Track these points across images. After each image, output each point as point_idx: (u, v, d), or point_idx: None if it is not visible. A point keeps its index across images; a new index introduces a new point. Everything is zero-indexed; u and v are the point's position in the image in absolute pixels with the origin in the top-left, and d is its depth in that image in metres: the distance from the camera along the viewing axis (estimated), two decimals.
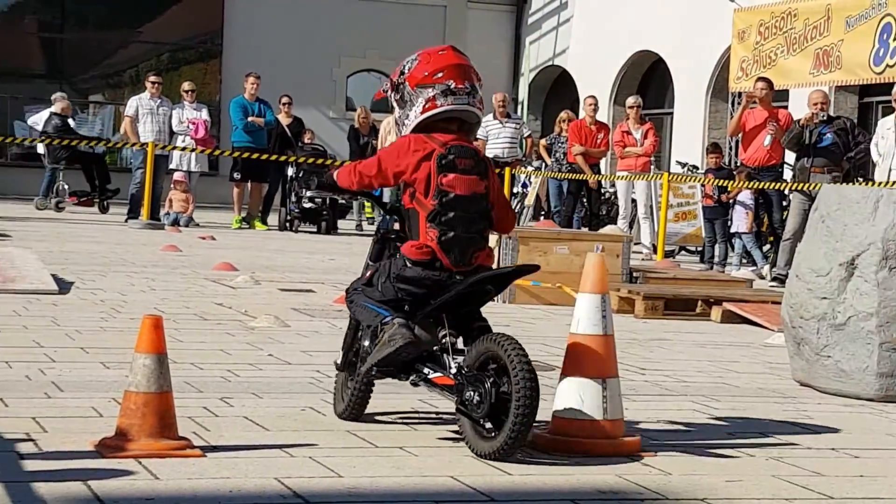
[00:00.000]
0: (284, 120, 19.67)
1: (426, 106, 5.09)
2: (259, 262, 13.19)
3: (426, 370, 4.98)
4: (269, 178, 19.38)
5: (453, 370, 4.87)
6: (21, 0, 28.47)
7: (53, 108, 20.68)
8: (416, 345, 4.87)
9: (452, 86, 5.09)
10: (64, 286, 9.60)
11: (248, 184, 19.19)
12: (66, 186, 20.48)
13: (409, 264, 5.02)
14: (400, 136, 5.20)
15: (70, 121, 21.12)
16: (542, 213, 21.78)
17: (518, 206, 21.46)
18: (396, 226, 5.38)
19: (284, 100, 19.96)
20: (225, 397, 5.70)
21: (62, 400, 5.45)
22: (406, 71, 5.18)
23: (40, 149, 21.15)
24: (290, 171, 19.01)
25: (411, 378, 5.03)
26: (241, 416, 5.31)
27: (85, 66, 28.28)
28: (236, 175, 19.01)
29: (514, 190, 20.66)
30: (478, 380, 4.75)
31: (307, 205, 19.03)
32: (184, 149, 18.76)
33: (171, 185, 18.85)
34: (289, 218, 19.20)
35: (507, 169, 18.81)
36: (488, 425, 4.71)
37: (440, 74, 5.10)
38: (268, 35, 28.31)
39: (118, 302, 9.04)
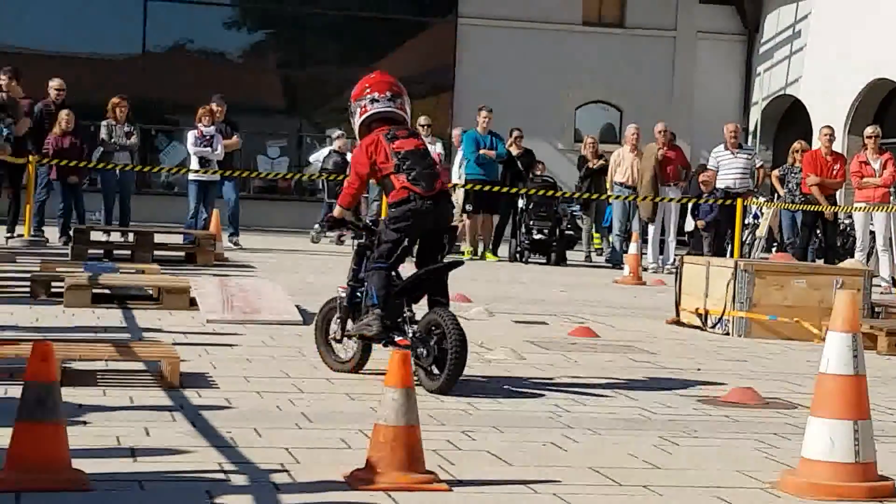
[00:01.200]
0: (515, 152, 19.87)
1: (360, 112, 7.15)
2: (491, 293, 13.31)
3: (394, 336, 6.90)
4: (499, 210, 19.59)
5: (409, 335, 6.79)
6: (262, 39, 29.54)
7: (333, 146, 21.82)
8: (383, 336, 6.89)
9: (377, 96, 7.13)
10: (308, 317, 9.88)
11: (480, 215, 19.41)
12: None
13: (393, 208, 6.91)
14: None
15: (349, 157, 22.18)
16: (775, 244, 21.40)
17: (749, 238, 21.13)
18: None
19: (515, 133, 20.17)
20: (467, 430, 5.78)
21: (312, 431, 5.61)
22: (351, 93, 7.26)
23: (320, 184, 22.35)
24: (521, 203, 19.17)
25: (383, 342, 6.98)
26: (484, 450, 5.37)
27: (322, 101, 29.10)
28: (468, 207, 19.26)
29: (746, 221, 20.35)
30: (425, 340, 6.71)
31: (537, 236, 19.14)
32: None
33: None
34: (519, 249, 19.34)
35: (739, 200, 18.55)
36: (435, 370, 6.68)
37: (368, 89, 7.16)
38: (498, 68, 28.62)
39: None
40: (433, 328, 6.70)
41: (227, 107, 19.04)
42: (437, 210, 6.92)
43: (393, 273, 6.94)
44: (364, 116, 7.12)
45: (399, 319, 6.91)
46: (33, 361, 4.28)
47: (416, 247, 7.01)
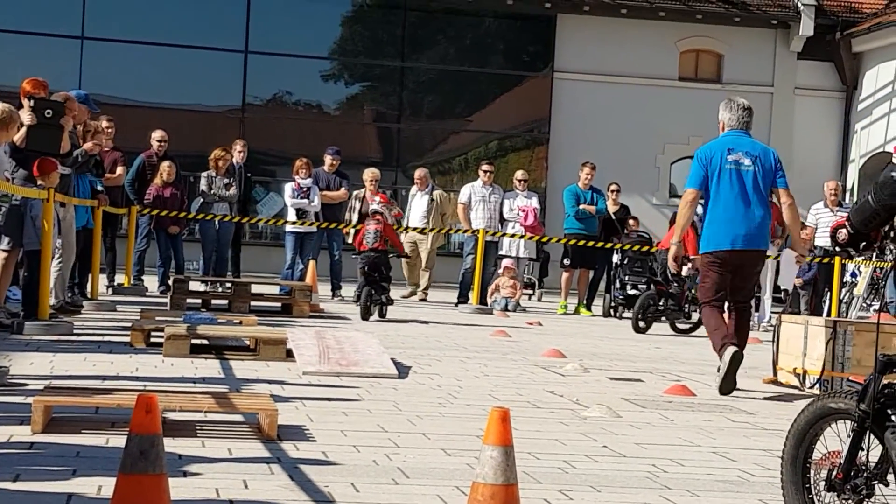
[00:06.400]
0: (611, 207, 19.85)
1: (370, 209, 16.13)
2: (586, 349, 13.26)
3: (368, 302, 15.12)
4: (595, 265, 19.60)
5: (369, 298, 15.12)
6: (359, 92, 29.87)
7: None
8: (359, 300, 15.20)
9: (379, 200, 15.87)
10: (402, 370, 9.92)
11: (577, 270, 19.42)
12: None
13: (360, 255, 15.17)
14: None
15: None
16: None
17: (847, 297, 20.83)
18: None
19: (613, 187, 20.17)
20: (564, 489, 5.74)
21: (409, 487, 5.60)
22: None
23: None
24: (616, 258, 19.12)
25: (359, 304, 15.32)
26: None
27: (418, 154, 29.33)
28: (566, 261, 19.27)
29: (844, 279, 20.07)
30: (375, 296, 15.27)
31: (631, 291, 19.06)
32: (513, 235, 19.16)
33: (500, 272, 19.26)
34: (613, 304, 19.25)
35: (837, 259, 18.32)
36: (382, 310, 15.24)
37: (376, 198, 16.10)
38: (593, 123, 28.65)
39: (454, 387, 9.26)
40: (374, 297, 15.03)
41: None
42: (380, 255, 14.96)
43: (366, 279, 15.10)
44: (369, 209, 15.87)
45: (364, 295, 15.00)
46: (137, 413, 4.32)
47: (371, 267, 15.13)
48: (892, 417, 4.22)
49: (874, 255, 19.83)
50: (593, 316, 19.19)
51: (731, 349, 9.86)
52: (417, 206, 19.43)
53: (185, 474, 5.48)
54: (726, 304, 10.56)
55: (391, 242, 15.37)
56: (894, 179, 4.17)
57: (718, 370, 10.05)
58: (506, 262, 19.18)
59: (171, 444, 5.98)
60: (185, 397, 6.93)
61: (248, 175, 19.12)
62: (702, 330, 17.55)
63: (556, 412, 8.36)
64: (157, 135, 18.46)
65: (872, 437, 4.30)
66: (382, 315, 15.17)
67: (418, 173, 20.38)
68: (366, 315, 14.86)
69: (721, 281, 10.15)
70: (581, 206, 19.22)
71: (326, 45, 29.59)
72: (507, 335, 14.19)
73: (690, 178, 10.23)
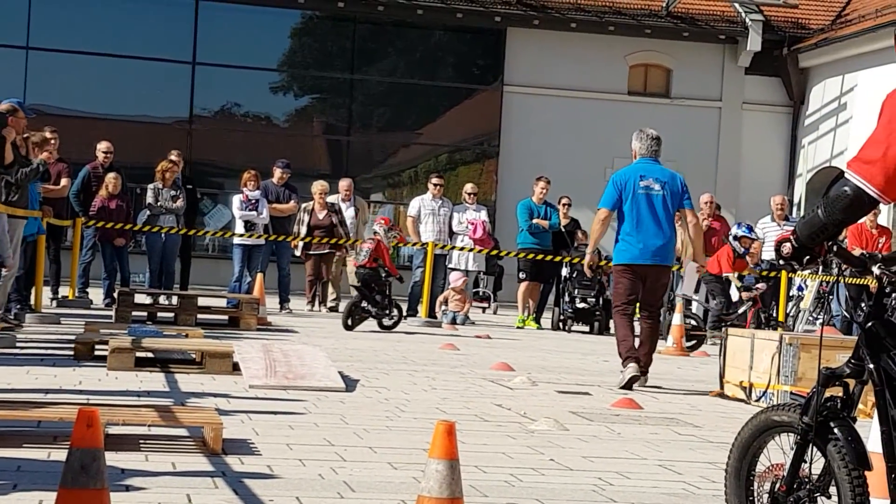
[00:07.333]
0: (562, 221, 19.90)
1: (373, 232, 16.79)
2: (534, 362, 13.27)
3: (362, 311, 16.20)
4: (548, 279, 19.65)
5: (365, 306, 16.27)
6: (309, 104, 29.80)
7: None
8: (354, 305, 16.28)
9: (382, 224, 16.96)
10: (350, 383, 9.87)
11: (530, 283, 19.45)
12: None
13: (358, 270, 16.12)
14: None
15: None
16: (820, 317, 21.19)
17: (793, 310, 20.97)
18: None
19: (564, 200, 20.22)
20: (510, 503, 5.73)
21: (354, 500, 5.57)
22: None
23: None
24: (565, 272, 19.15)
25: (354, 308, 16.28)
26: None
27: (368, 167, 29.28)
28: (521, 275, 19.30)
29: (791, 293, 20.21)
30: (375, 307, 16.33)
31: (580, 305, 19.09)
32: (462, 248, 19.16)
33: (455, 285, 19.24)
34: (562, 317, 19.28)
35: (784, 272, 18.44)
36: (385, 322, 16.27)
37: (383, 222, 17.07)
38: (543, 136, 28.71)
39: (402, 401, 9.23)
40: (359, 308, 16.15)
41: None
42: (371, 271, 15.99)
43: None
44: (373, 229, 16.68)
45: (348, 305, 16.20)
46: (79, 427, 4.27)
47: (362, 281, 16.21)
48: (835, 430, 4.24)
49: (819, 269, 19.98)
50: (539, 329, 19.21)
51: (631, 368, 11.09)
52: (347, 217, 19.42)
53: (127, 489, 5.42)
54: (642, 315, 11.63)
55: (383, 263, 16.41)
56: (847, 194, 4.17)
57: (621, 378, 11.16)
58: (455, 275, 19.18)
59: (114, 459, 5.92)
60: (128, 411, 6.86)
61: (190, 186, 18.92)
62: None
63: (503, 425, 8.34)
64: (102, 146, 18.32)
65: (815, 449, 4.32)
66: (382, 326, 16.31)
67: (342, 184, 20.30)
68: (347, 325, 15.92)
69: (631, 287, 11.46)
70: (534, 221, 19.25)
71: (275, 57, 29.51)
72: (456, 348, 14.17)
73: (604, 199, 11.51)
